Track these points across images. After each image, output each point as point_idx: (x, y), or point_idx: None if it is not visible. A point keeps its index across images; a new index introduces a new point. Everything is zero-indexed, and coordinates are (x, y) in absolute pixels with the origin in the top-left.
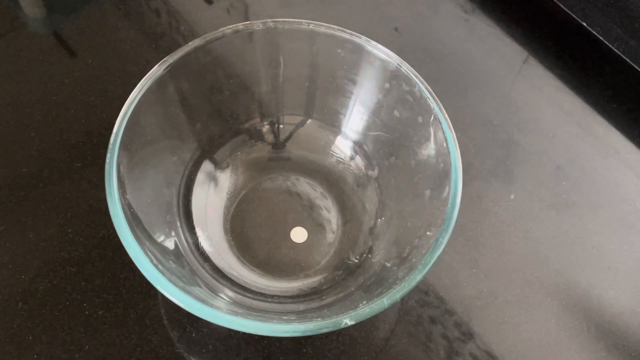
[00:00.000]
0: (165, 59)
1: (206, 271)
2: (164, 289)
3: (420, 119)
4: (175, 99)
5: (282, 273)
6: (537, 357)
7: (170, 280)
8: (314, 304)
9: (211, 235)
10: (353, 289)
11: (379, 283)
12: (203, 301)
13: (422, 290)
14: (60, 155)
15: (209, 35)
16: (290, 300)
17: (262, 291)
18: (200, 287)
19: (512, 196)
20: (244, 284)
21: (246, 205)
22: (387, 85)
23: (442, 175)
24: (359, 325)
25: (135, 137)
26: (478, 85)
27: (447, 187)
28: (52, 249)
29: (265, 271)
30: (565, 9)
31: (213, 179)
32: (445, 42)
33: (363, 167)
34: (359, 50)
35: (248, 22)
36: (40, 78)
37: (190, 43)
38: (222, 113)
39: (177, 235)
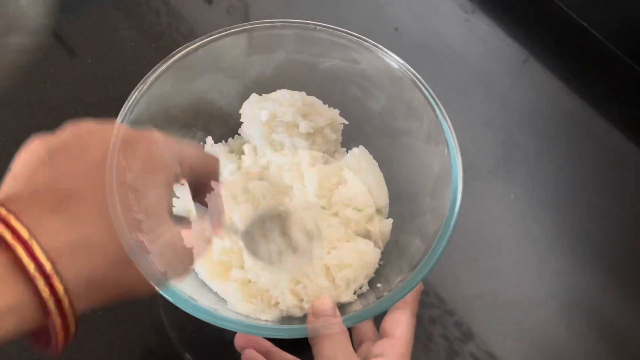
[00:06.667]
0: (165, 58)
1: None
2: (164, 289)
3: (420, 120)
4: (176, 98)
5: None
6: (537, 357)
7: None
8: None
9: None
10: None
11: (379, 283)
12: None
13: (422, 291)
14: None
15: (209, 35)
16: None
17: None
18: (199, 287)
19: (512, 196)
20: None
21: None
22: (387, 85)
23: (443, 176)
24: None
25: None
26: (478, 85)
27: (447, 188)
28: None
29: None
30: (565, 9)
31: None
32: (445, 42)
33: None
34: (359, 51)
35: (248, 22)
36: (40, 78)
37: (190, 43)
38: (222, 113)
39: None
